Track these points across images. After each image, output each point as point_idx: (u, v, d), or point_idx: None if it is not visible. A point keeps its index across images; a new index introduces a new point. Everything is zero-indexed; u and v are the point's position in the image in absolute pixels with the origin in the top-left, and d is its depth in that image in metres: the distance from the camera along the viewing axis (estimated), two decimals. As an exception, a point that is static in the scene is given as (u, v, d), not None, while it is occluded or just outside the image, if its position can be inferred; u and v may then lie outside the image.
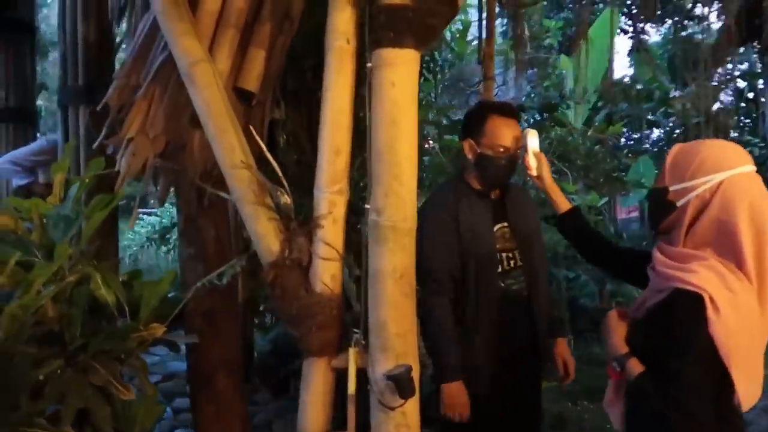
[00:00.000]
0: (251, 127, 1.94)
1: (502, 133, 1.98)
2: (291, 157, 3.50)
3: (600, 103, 6.75)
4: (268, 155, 1.86)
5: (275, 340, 4.24)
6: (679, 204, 1.34)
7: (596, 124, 6.22)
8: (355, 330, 1.73)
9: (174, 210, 6.08)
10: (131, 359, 1.76)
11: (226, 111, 1.86)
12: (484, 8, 3.18)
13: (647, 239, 9.96)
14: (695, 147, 1.37)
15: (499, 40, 6.09)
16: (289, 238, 1.78)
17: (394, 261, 1.64)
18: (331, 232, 1.74)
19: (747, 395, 1.24)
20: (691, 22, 12.17)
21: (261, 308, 4.14)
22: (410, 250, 1.67)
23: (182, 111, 2.05)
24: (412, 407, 1.67)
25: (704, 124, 5.26)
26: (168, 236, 9.16)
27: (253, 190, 1.83)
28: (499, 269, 2.03)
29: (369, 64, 1.67)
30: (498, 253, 2.03)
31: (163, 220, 9.45)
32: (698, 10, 12.01)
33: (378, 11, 1.64)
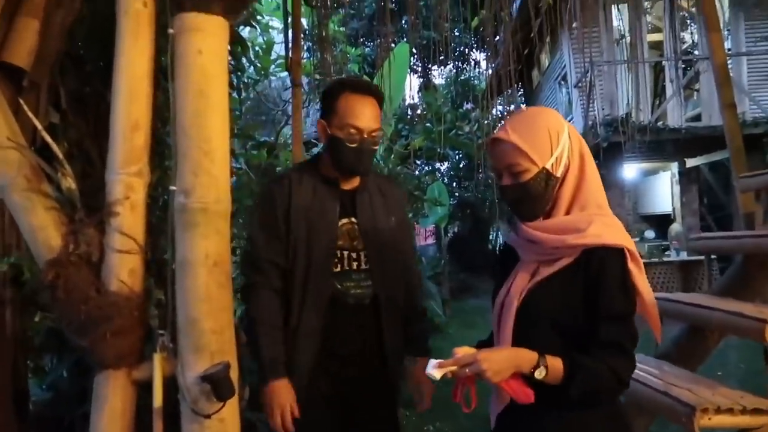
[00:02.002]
0: (23, 103, 1.62)
1: (355, 111, 1.75)
2: (76, 171, 3.08)
3: (400, 126, 7.18)
4: (45, 135, 1.56)
5: (56, 384, 3.60)
6: (559, 174, 1.31)
7: (397, 148, 6.58)
8: (161, 331, 1.49)
9: None
10: None
11: (-16, 81, 1.53)
12: (290, 15, 3.14)
13: (444, 260, 10.80)
14: (533, 120, 1.32)
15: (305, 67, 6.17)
16: (74, 229, 1.49)
17: (207, 247, 1.46)
18: (128, 219, 1.49)
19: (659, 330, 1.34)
20: (468, 66, 13.76)
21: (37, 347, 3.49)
22: (225, 234, 1.50)
23: None
24: (230, 413, 1.48)
25: (485, 149, 5.86)
26: None
27: (24, 175, 1.51)
28: (338, 268, 1.81)
29: (171, 30, 1.50)
30: (339, 250, 1.81)
31: None
32: (473, 55, 13.68)
33: (180, -28, 1.48)
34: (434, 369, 1.25)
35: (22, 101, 1.62)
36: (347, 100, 1.77)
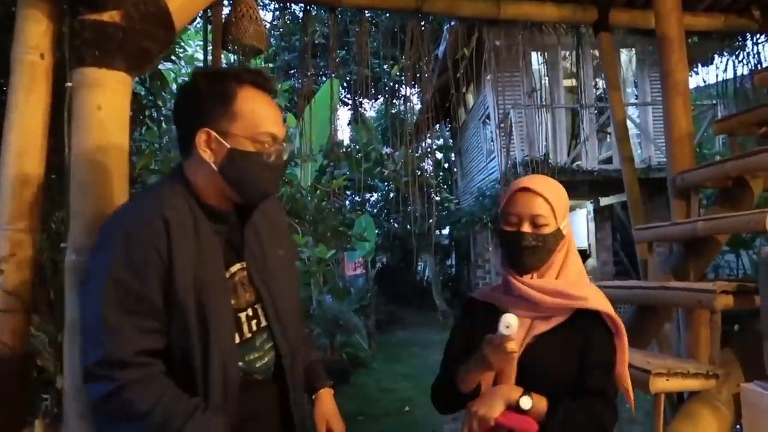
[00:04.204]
0: None
1: (269, 114, 1.27)
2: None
3: (325, 162, 7.23)
4: (-74, 186, 1.47)
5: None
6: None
7: (323, 182, 6.60)
8: (44, 396, 1.42)
9: None
10: None
11: None
12: (210, 54, 3.13)
13: (371, 292, 10.83)
14: (558, 186, 1.46)
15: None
16: (-48, 288, 1.41)
17: (99, 308, 1.40)
18: (13, 277, 1.42)
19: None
20: (398, 101, 14.08)
21: None
22: (119, 294, 1.45)
23: None
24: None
25: (413, 185, 5.98)
26: None
27: None
28: (238, 340, 1.28)
29: (69, 84, 1.46)
30: (236, 313, 1.29)
31: None
32: (403, 90, 14.02)
33: (81, 26, 1.45)
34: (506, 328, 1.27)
35: None
36: (255, 100, 1.26)
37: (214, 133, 1.23)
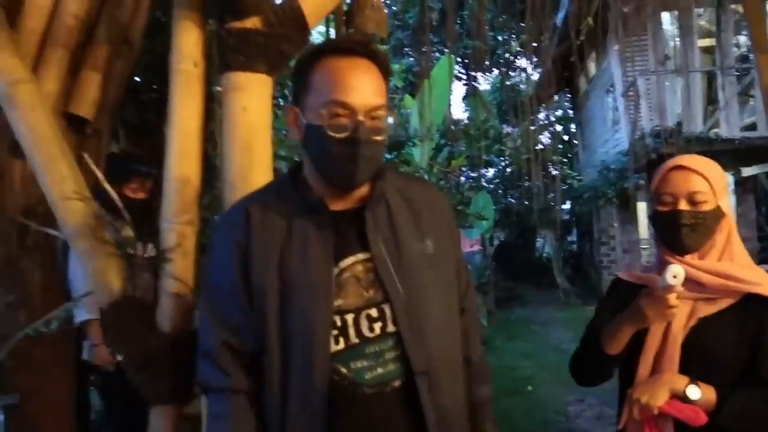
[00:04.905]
0: (86, 156, 1.76)
1: (340, 80, 1.10)
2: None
3: (442, 141, 7.23)
4: (106, 185, 1.70)
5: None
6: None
7: (439, 161, 6.62)
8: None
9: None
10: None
11: (54, 136, 1.67)
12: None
13: (489, 269, 10.75)
14: (713, 164, 1.38)
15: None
16: (132, 274, 1.62)
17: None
18: (180, 265, 1.61)
19: None
20: (514, 73, 13.65)
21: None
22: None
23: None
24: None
25: (534, 161, 5.84)
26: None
27: (88, 224, 1.64)
28: (340, 345, 1.12)
29: (218, 88, 1.61)
30: (339, 315, 1.12)
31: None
32: (519, 62, 13.56)
33: (227, 34, 1.59)
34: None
35: (85, 155, 1.76)
36: (328, 67, 1.12)
37: (297, 110, 1.17)
